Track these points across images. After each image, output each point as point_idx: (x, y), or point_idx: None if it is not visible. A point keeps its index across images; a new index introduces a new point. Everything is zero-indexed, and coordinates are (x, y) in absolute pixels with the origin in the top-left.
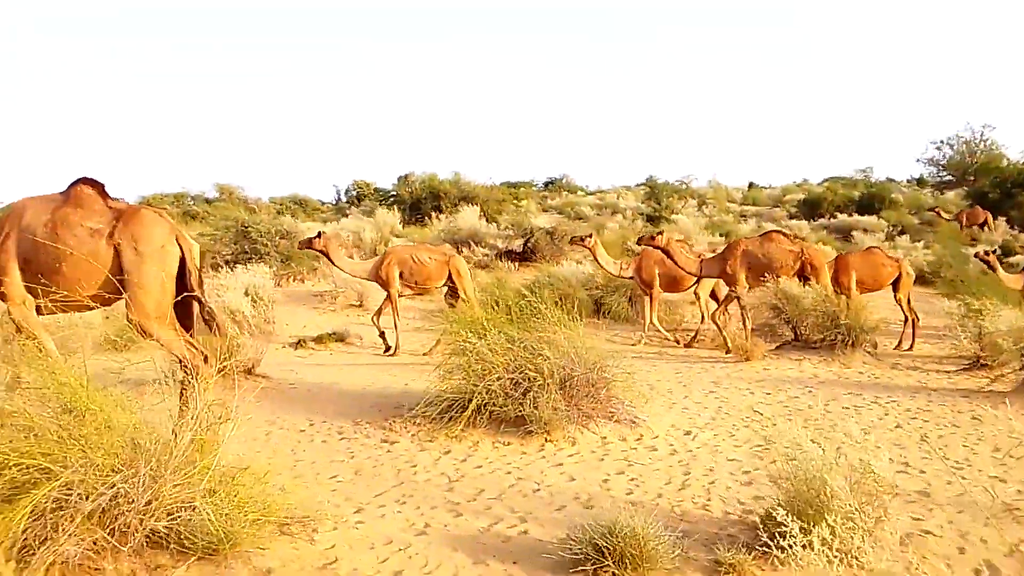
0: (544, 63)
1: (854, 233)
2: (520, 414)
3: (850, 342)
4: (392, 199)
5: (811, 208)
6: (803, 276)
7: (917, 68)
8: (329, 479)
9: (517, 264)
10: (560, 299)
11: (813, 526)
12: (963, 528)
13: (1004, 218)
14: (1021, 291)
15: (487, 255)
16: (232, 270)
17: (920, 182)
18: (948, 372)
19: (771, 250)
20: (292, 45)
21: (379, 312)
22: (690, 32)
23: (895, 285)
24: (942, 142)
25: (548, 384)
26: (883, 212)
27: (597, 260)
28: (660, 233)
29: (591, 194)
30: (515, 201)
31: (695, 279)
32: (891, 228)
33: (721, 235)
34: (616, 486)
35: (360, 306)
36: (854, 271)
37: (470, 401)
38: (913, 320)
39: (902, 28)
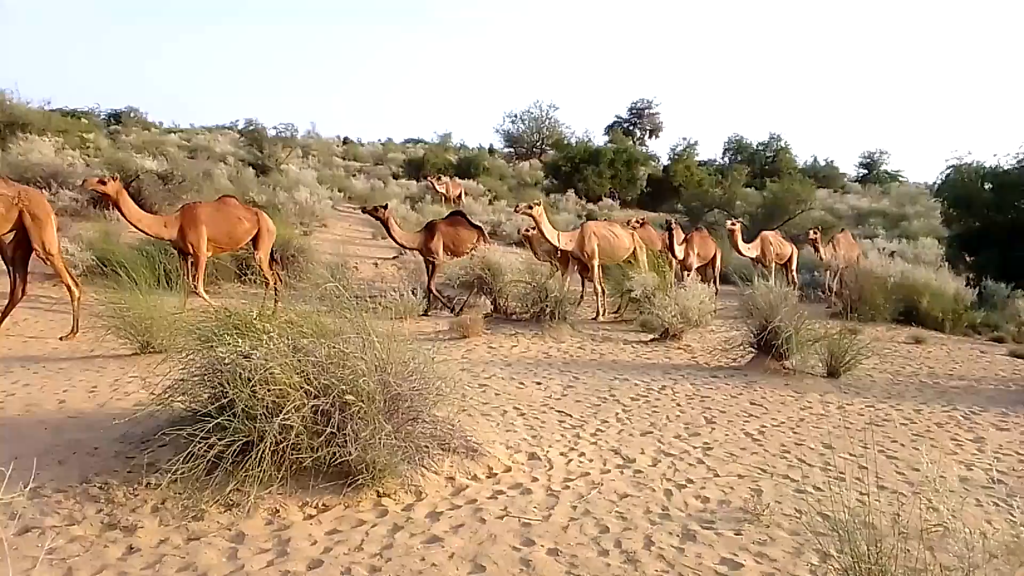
0: None
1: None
2: (343, 459)
3: (558, 315)
4: None
5: (416, 169)
6: (21, 228)
7: (497, 43)
8: None
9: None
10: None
11: None
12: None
13: (572, 191)
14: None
15: (76, 200)
16: None
17: (491, 151)
18: (645, 342)
19: None
20: None
21: None
22: None
23: (255, 243)
24: (516, 116)
25: (371, 410)
26: (480, 177)
27: None
28: None
29: (172, 132)
30: (80, 134)
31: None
32: (488, 192)
33: (340, 191)
34: (548, 569)
35: None
36: (204, 226)
37: (255, 445)
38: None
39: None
